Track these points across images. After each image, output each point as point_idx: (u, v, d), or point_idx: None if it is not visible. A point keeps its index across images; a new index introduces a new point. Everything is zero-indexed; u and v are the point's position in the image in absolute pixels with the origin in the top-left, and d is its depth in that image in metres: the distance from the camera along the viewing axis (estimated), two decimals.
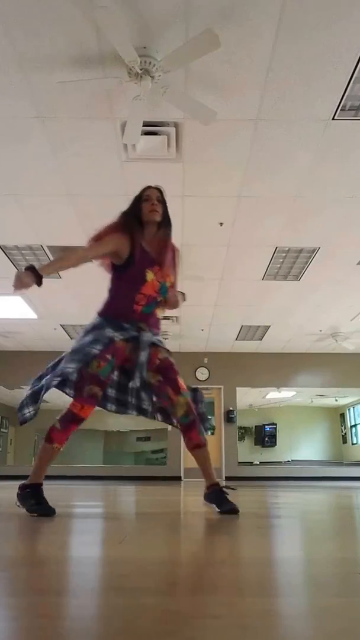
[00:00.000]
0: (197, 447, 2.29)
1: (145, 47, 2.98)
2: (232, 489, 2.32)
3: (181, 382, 2.27)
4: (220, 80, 3.24)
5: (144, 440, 13.25)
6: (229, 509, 2.14)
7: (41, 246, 5.53)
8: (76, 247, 2.47)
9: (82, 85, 3.21)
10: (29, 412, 2.25)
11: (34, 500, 2.17)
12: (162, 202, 2.40)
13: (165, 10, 2.76)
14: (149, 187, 2.42)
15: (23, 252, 5.69)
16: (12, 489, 4.98)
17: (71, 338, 9.11)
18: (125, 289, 2.32)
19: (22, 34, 2.90)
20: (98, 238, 2.33)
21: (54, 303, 7.31)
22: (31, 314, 7.72)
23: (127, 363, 2.30)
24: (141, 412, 2.39)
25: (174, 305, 2.44)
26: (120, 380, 2.37)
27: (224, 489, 2.27)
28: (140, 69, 3.02)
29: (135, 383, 2.23)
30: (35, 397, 2.24)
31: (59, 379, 2.21)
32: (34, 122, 3.61)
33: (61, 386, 2.29)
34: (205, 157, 4.03)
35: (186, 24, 2.84)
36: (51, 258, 5.80)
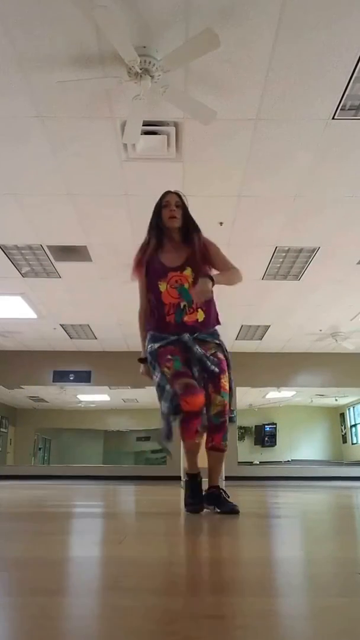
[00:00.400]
0: (215, 449, 2.29)
1: (145, 47, 2.98)
2: (227, 495, 2.32)
3: (224, 382, 2.26)
4: (220, 79, 3.24)
5: (143, 440, 13.26)
6: (229, 510, 2.15)
7: (41, 246, 5.53)
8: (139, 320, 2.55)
9: (82, 85, 3.21)
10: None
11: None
12: (182, 206, 2.42)
13: (165, 9, 2.76)
14: (167, 193, 2.45)
15: (23, 251, 5.69)
16: (12, 488, 4.98)
17: (71, 338, 9.12)
18: (154, 304, 2.40)
19: (21, 34, 2.90)
20: (136, 275, 2.50)
21: (53, 303, 7.31)
22: (31, 314, 7.72)
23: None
24: None
25: (230, 281, 2.46)
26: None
27: (223, 492, 2.29)
28: (140, 69, 3.01)
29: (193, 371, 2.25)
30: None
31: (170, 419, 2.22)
32: (34, 122, 3.61)
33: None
34: (205, 157, 4.03)
35: (186, 23, 2.84)
36: (51, 258, 5.80)
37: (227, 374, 2.30)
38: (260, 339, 9.30)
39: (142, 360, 2.41)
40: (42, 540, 1.44)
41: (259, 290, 6.82)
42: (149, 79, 3.03)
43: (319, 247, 5.53)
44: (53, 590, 0.84)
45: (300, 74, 3.17)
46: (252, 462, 11.91)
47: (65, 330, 8.71)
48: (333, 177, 4.25)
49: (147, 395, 10.71)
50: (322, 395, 11.95)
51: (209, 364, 2.26)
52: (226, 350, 2.39)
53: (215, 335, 2.39)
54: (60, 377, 10.03)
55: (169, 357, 2.23)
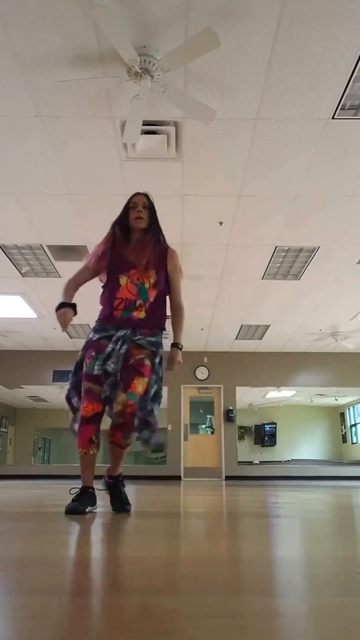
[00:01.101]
0: (114, 444, 2.33)
1: (144, 46, 2.98)
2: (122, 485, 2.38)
3: (136, 383, 2.21)
4: (220, 79, 3.24)
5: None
6: (119, 509, 2.28)
7: (40, 245, 5.53)
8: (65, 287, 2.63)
9: (82, 85, 3.21)
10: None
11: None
12: (149, 207, 2.47)
13: (164, 9, 2.76)
14: (136, 194, 2.51)
15: (22, 251, 5.69)
16: (11, 488, 4.98)
17: (70, 337, 9.12)
18: (107, 295, 2.43)
19: (21, 33, 2.89)
20: (88, 258, 2.57)
21: (53, 302, 7.28)
22: (30, 314, 7.72)
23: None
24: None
25: (176, 307, 2.50)
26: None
27: (120, 482, 2.36)
28: (140, 68, 3.01)
29: (109, 367, 2.25)
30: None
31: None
32: (34, 121, 3.61)
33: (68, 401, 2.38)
34: (204, 157, 4.03)
35: (186, 23, 2.84)
36: (51, 257, 5.81)
37: (145, 379, 2.25)
38: (260, 339, 9.30)
39: (64, 305, 2.47)
40: (41, 539, 1.44)
41: (258, 289, 6.82)
42: (148, 78, 3.03)
43: (319, 247, 5.53)
44: (53, 590, 0.84)
45: (300, 74, 3.17)
46: (252, 462, 11.91)
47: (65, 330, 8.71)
48: (333, 176, 4.25)
49: None
50: (322, 394, 11.96)
51: (123, 362, 2.27)
52: (159, 363, 2.36)
53: (155, 345, 2.36)
54: (60, 376, 10.03)
55: (93, 353, 2.27)
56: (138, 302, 2.35)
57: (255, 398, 12.28)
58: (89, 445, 2.25)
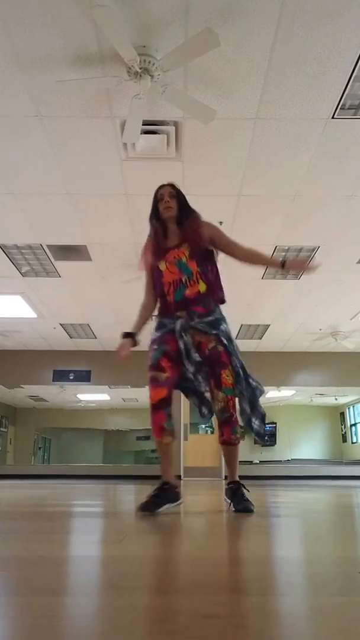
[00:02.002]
0: (225, 443, 2.32)
1: (144, 46, 2.98)
2: (247, 490, 2.32)
3: (225, 377, 2.24)
4: (219, 79, 3.24)
5: (143, 440, 13.26)
6: (242, 508, 2.18)
7: (41, 245, 5.53)
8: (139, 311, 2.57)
9: (82, 84, 3.21)
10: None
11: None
12: (176, 196, 2.48)
13: (164, 9, 2.76)
14: (161, 187, 2.51)
15: (22, 251, 5.69)
16: (11, 488, 4.98)
17: (70, 337, 9.12)
18: (158, 288, 2.42)
19: (21, 33, 2.89)
20: (140, 265, 2.58)
21: (53, 302, 7.32)
22: (31, 313, 7.72)
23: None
24: (199, 397, 2.42)
25: (246, 254, 2.54)
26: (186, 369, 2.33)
27: (242, 487, 2.30)
28: (140, 68, 3.01)
29: (188, 370, 2.27)
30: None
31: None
32: (34, 121, 3.61)
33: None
34: (204, 156, 4.03)
35: (186, 22, 2.84)
36: (51, 257, 5.81)
37: (229, 367, 2.27)
38: (260, 338, 9.30)
39: (126, 335, 2.45)
40: (42, 539, 1.44)
41: (258, 289, 6.82)
42: (148, 78, 3.03)
43: (319, 247, 5.53)
44: (53, 590, 0.84)
45: (299, 73, 3.17)
46: (252, 462, 11.91)
47: (65, 330, 8.71)
48: (333, 176, 4.25)
49: (147, 395, 10.72)
50: (322, 394, 11.96)
51: (196, 358, 2.26)
52: (228, 339, 2.32)
53: (215, 324, 2.32)
54: (60, 376, 10.03)
55: (155, 346, 2.29)
56: (184, 279, 2.33)
57: None
58: (162, 433, 2.24)
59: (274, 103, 3.43)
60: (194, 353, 2.26)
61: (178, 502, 2.26)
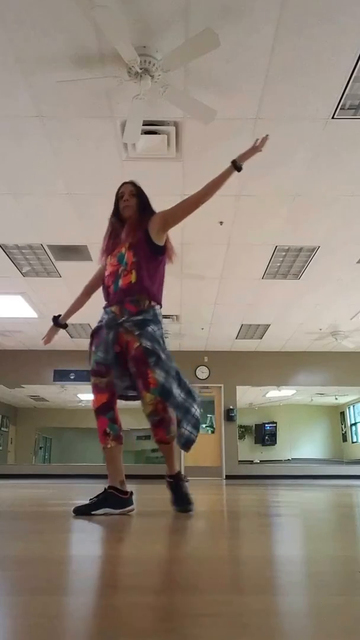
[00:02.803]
0: (161, 442, 2.26)
1: (145, 47, 2.98)
2: (186, 481, 2.30)
3: (152, 376, 2.13)
4: (220, 79, 3.24)
5: (144, 439, 13.26)
6: (181, 509, 2.19)
7: (41, 245, 5.53)
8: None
9: (82, 85, 3.21)
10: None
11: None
12: (136, 194, 2.48)
13: (165, 9, 2.76)
14: (122, 184, 2.53)
15: (23, 251, 5.69)
16: (12, 488, 4.98)
17: (71, 337, 9.12)
18: (105, 282, 2.44)
19: (22, 34, 2.90)
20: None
21: (54, 302, 7.32)
22: (31, 313, 7.72)
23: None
24: (128, 398, 2.35)
25: (200, 194, 2.40)
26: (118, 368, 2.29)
27: (182, 480, 2.28)
28: (140, 68, 3.02)
29: (105, 357, 2.23)
30: None
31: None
32: (34, 121, 3.61)
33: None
34: (205, 156, 4.03)
35: (186, 23, 2.84)
36: (51, 257, 5.81)
37: (154, 368, 2.14)
38: (261, 338, 9.30)
39: (55, 319, 2.62)
40: (42, 539, 1.45)
41: (259, 289, 6.83)
42: (149, 78, 3.04)
43: (319, 246, 5.54)
44: (53, 589, 0.85)
45: (299, 74, 3.17)
46: (252, 461, 11.92)
47: (66, 330, 8.71)
48: (333, 176, 4.26)
49: None
50: (322, 393, 11.97)
51: (127, 353, 2.23)
52: (153, 340, 2.20)
53: (141, 324, 2.22)
54: (60, 376, 10.04)
55: (93, 348, 2.28)
56: (120, 269, 2.31)
57: (255, 397, 12.29)
58: (105, 438, 2.21)
59: (274, 103, 3.43)
60: (102, 352, 2.22)
61: (124, 509, 2.14)
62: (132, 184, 2.52)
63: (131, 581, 0.90)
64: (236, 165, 2.34)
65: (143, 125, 3.47)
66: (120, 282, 2.29)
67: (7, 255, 5.77)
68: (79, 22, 2.83)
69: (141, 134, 3.60)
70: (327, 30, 2.87)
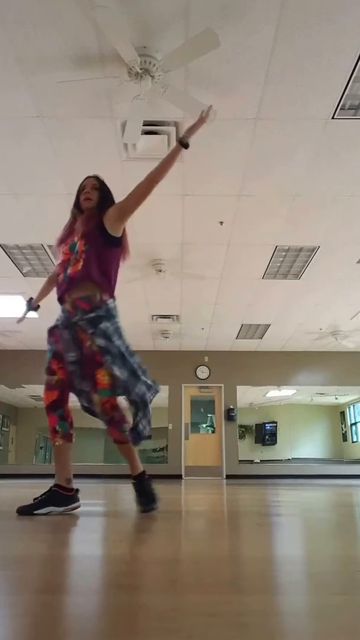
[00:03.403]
0: (117, 442, 2.26)
1: (145, 47, 2.99)
2: (149, 482, 2.28)
3: (101, 377, 2.13)
4: (220, 79, 3.24)
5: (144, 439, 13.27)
6: (144, 510, 2.17)
7: (42, 245, 5.54)
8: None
9: (83, 85, 3.21)
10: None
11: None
12: (99, 188, 2.50)
13: (165, 9, 2.77)
14: (86, 178, 2.55)
15: (24, 251, 5.69)
16: (13, 487, 4.99)
17: None
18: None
19: (22, 34, 2.90)
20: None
21: (54, 302, 7.31)
22: (32, 313, 7.68)
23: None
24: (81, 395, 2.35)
25: (148, 179, 2.39)
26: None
27: (146, 480, 2.25)
28: (141, 69, 3.02)
29: (67, 367, 2.24)
30: None
31: None
32: (35, 122, 3.62)
33: None
34: (205, 156, 4.03)
35: (186, 23, 2.84)
36: (52, 257, 5.82)
37: (103, 367, 2.13)
38: (261, 338, 9.31)
39: (29, 301, 2.73)
40: (43, 538, 1.45)
41: (259, 289, 6.83)
42: (149, 79, 3.04)
43: (319, 246, 5.54)
44: (55, 589, 0.85)
45: (299, 74, 3.18)
46: (252, 461, 11.92)
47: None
48: (333, 176, 4.26)
49: None
50: (323, 393, 11.96)
51: (70, 358, 2.24)
52: (105, 337, 2.16)
53: (94, 322, 2.18)
54: None
55: (48, 346, 2.36)
56: (71, 258, 2.30)
57: (255, 397, 12.29)
58: (54, 435, 2.26)
59: (274, 103, 3.43)
60: (70, 352, 2.22)
61: (68, 507, 2.15)
62: (96, 178, 2.55)
63: (131, 581, 0.90)
64: (182, 142, 2.35)
65: (143, 125, 3.47)
66: (69, 270, 2.27)
67: (8, 255, 5.77)
68: (80, 22, 2.83)
69: (141, 134, 3.60)
70: (327, 30, 2.87)
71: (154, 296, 6.97)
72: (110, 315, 2.24)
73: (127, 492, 4.08)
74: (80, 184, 2.52)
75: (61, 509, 2.13)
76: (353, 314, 7.86)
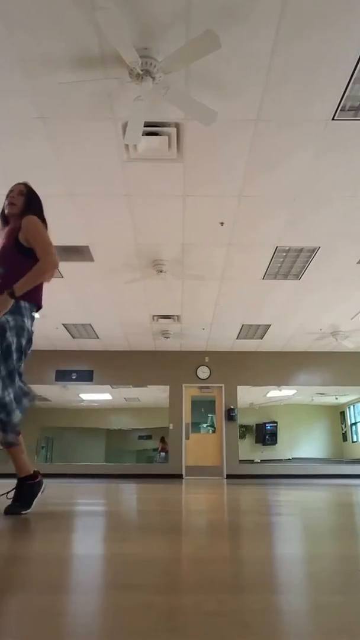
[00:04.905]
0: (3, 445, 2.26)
1: (146, 48, 2.99)
2: (29, 485, 2.28)
3: None
4: (220, 80, 3.25)
5: (145, 439, 13.27)
6: (8, 512, 2.14)
7: None
8: None
9: (84, 86, 3.22)
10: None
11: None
12: (25, 194, 2.53)
13: (166, 11, 2.77)
14: (15, 184, 2.56)
15: None
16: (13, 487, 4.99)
17: (73, 337, 9.13)
18: None
19: (24, 35, 2.91)
20: None
21: (55, 302, 7.34)
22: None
23: None
24: None
25: (35, 281, 2.40)
26: None
27: (27, 483, 2.24)
28: (141, 70, 3.03)
29: None
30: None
31: None
32: (36, 123, 3.63)
33: None
34: (206, 157, 4.04)
35: (187, 24, 2.85)
36: None
37: None
38: (261, 338, 9.31)
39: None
40: (45, 538, 1.46)
41: (259, 289, 6.83)
42: (150, 80, 3.05)
43: (319, 247, 5.54)
44: (57, 588, 0.86)
45: (300, 75, 3.18)
46: (253, 460, 11.92)
47: (68, 330, 8.73)
48: (333, 177, 4.26)
49: (149, 394, 10.72)
50: (323, 393, 11.96)
51: None
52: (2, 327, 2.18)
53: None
54: (62, 376, 10.05)
55: None
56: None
57: (256, 397, 12.28)
58: None
59: (274, 104, 3.44)
60: None
61: (43, 485, 2.25)
62: (25, 185, 2.56)
63: (134, 580, 0.91)
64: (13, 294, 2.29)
65: (144, 126, 3.47)
66: None
67: None
68: (81, 24, 2.84)
69: (142, 135, 3.61)
70: (327, 32, 2.87)
71: (154, 296, 6.98)
72: (20, 311, 2.31)
73: (128, 492, 4.09)
74: (9, 190, 2.55)
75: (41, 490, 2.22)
76: (353, 314, 7.87)
